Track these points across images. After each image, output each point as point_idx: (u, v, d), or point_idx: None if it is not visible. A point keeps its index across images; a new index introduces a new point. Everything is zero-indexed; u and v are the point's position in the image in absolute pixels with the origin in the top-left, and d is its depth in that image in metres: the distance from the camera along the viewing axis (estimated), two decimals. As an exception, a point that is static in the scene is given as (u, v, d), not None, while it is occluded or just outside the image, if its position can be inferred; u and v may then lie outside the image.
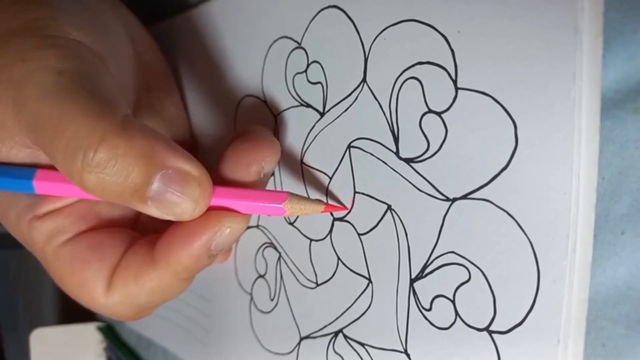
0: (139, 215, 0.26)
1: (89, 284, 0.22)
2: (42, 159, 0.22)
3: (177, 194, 0.19)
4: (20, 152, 0.21)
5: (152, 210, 0.20)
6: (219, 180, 0.21)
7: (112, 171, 0.18)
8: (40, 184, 0.22)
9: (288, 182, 0.25)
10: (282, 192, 0.21)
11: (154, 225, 0.24)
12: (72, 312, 0.51)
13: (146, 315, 0.24)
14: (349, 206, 0.22)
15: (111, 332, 0.45)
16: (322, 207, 0.21)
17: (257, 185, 0.22)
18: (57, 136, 0.19)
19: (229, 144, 0.23)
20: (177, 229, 0.21)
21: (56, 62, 0.19)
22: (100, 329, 0.46)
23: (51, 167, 0.22)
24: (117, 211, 0.25)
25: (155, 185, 0.19)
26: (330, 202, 0.23)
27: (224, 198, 0.21)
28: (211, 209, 0.21)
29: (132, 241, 0.23)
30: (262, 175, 0.22)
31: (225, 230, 0.21)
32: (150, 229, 0.24)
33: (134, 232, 0.24)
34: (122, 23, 0.25)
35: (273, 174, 0.26)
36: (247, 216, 0.21)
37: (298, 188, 0.25)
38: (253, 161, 0.22)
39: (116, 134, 0.18)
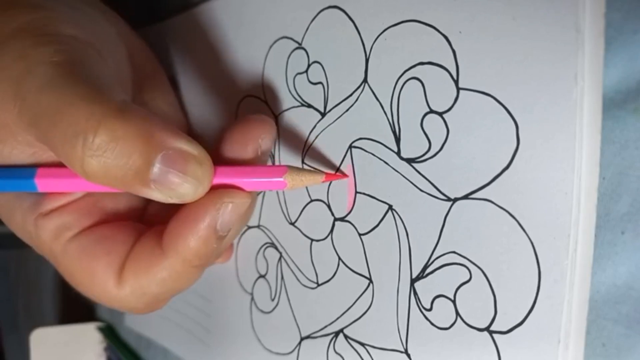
0: (145, 207, 0.26)
1: (99, 277, 0.23)
2: (44, 158, 0.22)
3: (179, 174, 0.19)
4: (22, 153, 0.21)
5: (155, 194, 0.20)
6: (218, 161, 0.21)
7: (113, 154, 0.18)
8: (42, 182, 0.21)
9: (291, 189, 0.25)
10: (281, 165, 0.21)
11: (161, 217, 0.24)
12: (72, 312, 0.51)
13: (159, 308, 0.24)
14: (346, 164, 0.22)
15: (111, 332, 0.45)
16: (322, 177, 0.22)
17: (256, 163, 0.23)
18: (56, 124, 0.19)
19: (225, 129, 0.23)
20: (182, 215, 0.21)
21: (54, 55, 0.20)
22: (100, 329, 0.46)
23: (52, 165, 0.22)
24: (122, 204, 0.25)
25: (157, 166, 0.19)
26: (331, 199, 0.23)
27: (224, 177, 0.21)
28: (213, 189, 0.21)
29: (140, 233, 0.23)
30: (259, 153, 0.23)
31: (227, 207, 0.21)
32: (157, 221, 0.24)
33: (141, 225, 0.24)
34: (112, 25, 0.25)
35: (273, 156, 0.26)
36: (249, 192, 0.21)
37: (299, 188, 0.25)
38: (250, 139, 0.22)
39: (114, 117, 0.18)
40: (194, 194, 0.20)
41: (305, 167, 0.24)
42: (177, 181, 0.19)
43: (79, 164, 0.19)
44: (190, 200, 0.20)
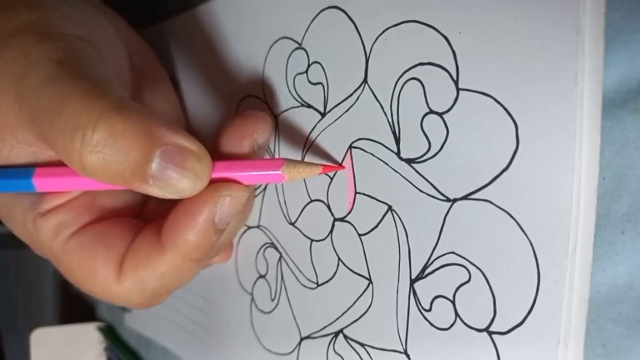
0: (143, 204, 0.26)
1: (99, 273, 0.23)
2: (43, 158, 0.22)
3: (178, 170, 0.19)
4: (22, 152, 0.21)
5: (154, 190, 0.20)
6: (215, 156, 0.22)
7: (111, 150, 0.18)
8: (40, 181, 0.22)
9: (289, 182, 0.25)
10: (278, 158, 0.21)
11: (159, 213, 0.24)
12: (72, 312, 0.51)
13: (160, 302, 0.24)
14: (345, 165, 0.22)
15: (111, 332, 0.45)
16: (319, 169, 0.22)
17: (252, 158, 0.23)
18: (55, 119, 0.19)
19: (222, 125, 0.23)
20: (180, 209, 0.21)
21: (54, 53, 0.20)
22: (100, 329, 0.46)
23: (50, 164, 0.22)
24: (120, 202, 0.25)
25: (156, 162, 0.19)
26: (331, 199, 0.23)
27: (222, 171, 0.21)
28: (211, 183, 0.21)
29: (139, 229, 0.23)
30: (256, 147, 0.23)
31: (225, 200, 0.21)
32: (155, 217, 0.24)
33: (139, 222, 0.24)
34: (112, 25, 0.25)
35: (273, 156, 0.26)
36: (247, 186, 0.21)
37: (299, 187, 0.25)
38: (245, 134, 0.23)
39: (113, 112, 0.18)
40: (192, 189, 0.20)
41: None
42: (175, 176, 0.19)
43: (78, 159, 0.19)
44: (189, 195, 0.20)
